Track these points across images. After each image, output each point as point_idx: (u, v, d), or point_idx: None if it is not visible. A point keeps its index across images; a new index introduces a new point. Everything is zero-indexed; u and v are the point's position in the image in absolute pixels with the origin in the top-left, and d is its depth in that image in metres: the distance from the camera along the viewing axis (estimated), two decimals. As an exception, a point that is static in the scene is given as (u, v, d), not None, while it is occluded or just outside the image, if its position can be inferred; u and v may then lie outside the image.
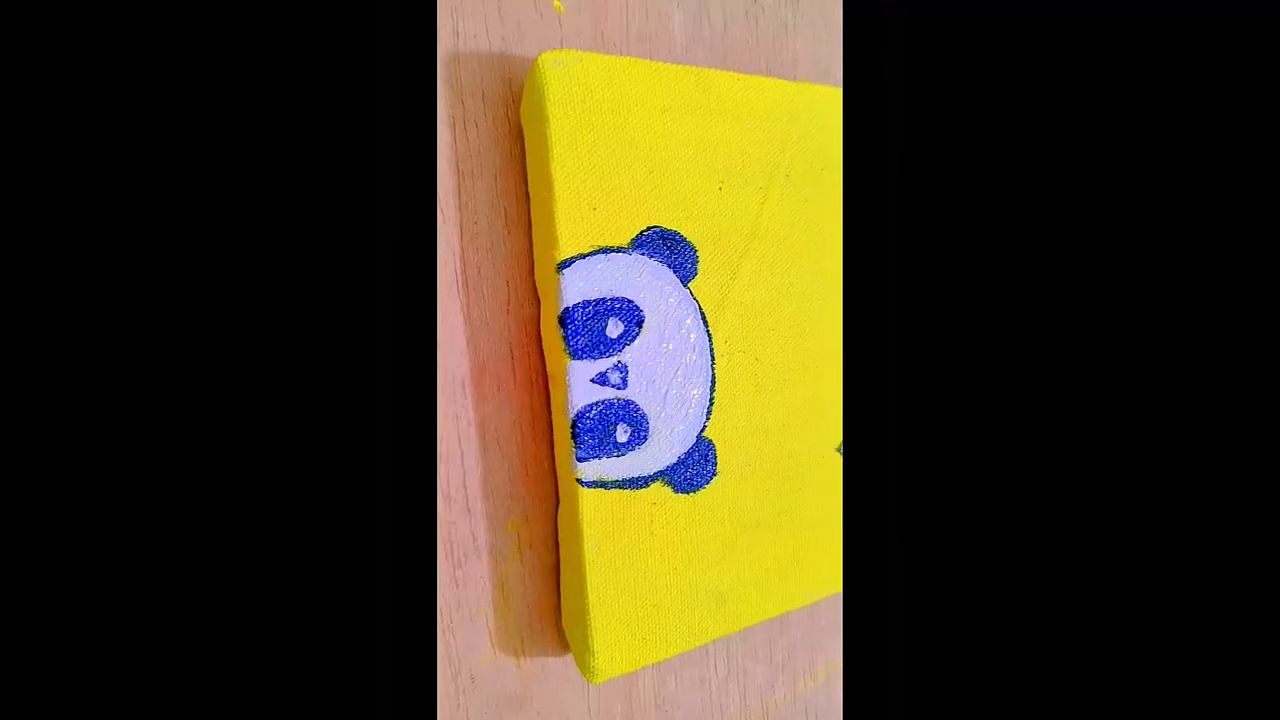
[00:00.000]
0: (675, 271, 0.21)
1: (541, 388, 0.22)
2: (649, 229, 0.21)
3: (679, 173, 0.21)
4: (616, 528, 0.20)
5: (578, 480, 0.20)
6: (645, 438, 0.21)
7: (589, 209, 0.20)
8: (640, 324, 0.21)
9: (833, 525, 0.25)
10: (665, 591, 0.21)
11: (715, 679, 0.27)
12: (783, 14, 0.27)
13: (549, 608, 0.23)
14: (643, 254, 0.21)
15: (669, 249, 0.21)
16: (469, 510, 0.21)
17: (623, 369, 0.20)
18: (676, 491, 0.21)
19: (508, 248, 0.21)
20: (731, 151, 0.22)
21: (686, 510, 0.22)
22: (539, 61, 0.19)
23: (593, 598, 0.20)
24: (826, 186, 0.24)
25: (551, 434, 0.22)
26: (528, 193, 0.21)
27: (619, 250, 0.20)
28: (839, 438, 0.25)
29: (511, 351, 0.21)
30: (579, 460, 0.20)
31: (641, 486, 0.21)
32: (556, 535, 0.22)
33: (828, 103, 0.24)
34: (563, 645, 0.23)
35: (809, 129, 0.24)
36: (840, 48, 0.29)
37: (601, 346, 0.20)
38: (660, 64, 0.21)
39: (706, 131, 0.22)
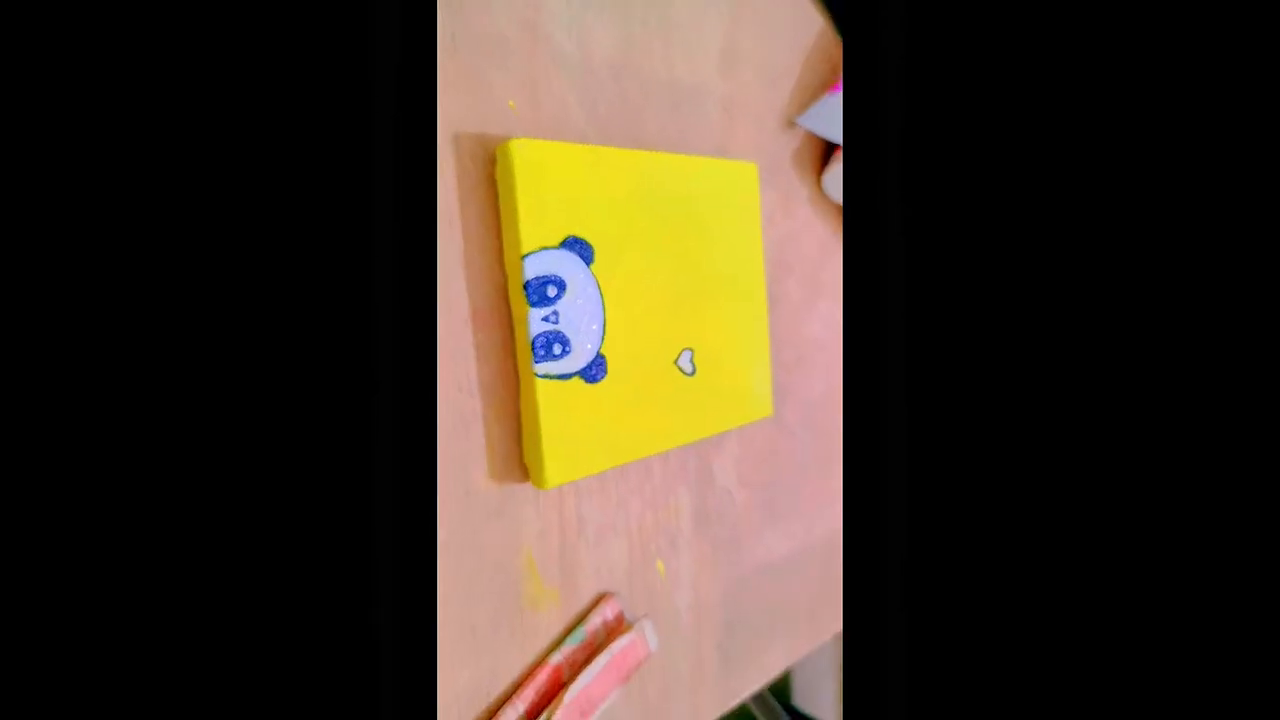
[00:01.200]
0: (583, 259, 0.38)
1: (508, 325, 0.38)
2: (569, 236, 0.37)
3: (587, 203, 0.38)
4: (557, 401, 0.37)
5: (535, 375, 0.36)
6: (569, 352, 0.38)
7: (537, 225, 0.36)
8: (564, 289, 0.37)
9: (673, 409, 0.43)
10: (584, 437, 0.38)
11: (609, 505, 0.44)
12: (639, 104, 0.45)
13: (514, 454, 0.39)
14: (565, 250, 0.37)
15: (580, 247, 0.38)
16: (472, 394, 0.37)
17: (556, 314, 0.37)
18: (587, 382, 0.39)
19: (488, 243, 0.37)
20: (614, 191, 0.39)
21: (592, 393, 0.39)
22: (510, 145, 0.35)
23: (545, 441, 0.37)
24: (670, 213, 0.42)
25: (515, 351, 0.38)
26: (499, 212, 0.37)
27: (554, 248, 0.37)
28: (674, 355, 0.43)
29: (491, 304, 0.37)
30: (536, 363, 0.36)
31: (569, 379, 0.38)
32: (519, 410, 0.39)
33: (672, 163, 0.42)
34: (523, 477, 0.39)
35: (660, 179, 0.42)
36: (683, 126, 0.47)
37: (546, 301, 0.37)
38: (575, 145, 0.38)
39: (601, 180, 0.39)
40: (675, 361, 0.43)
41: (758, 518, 0.56)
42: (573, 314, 0.38)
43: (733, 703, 0.55)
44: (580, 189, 0.38)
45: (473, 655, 0.38)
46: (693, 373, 0.45)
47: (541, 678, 0.41)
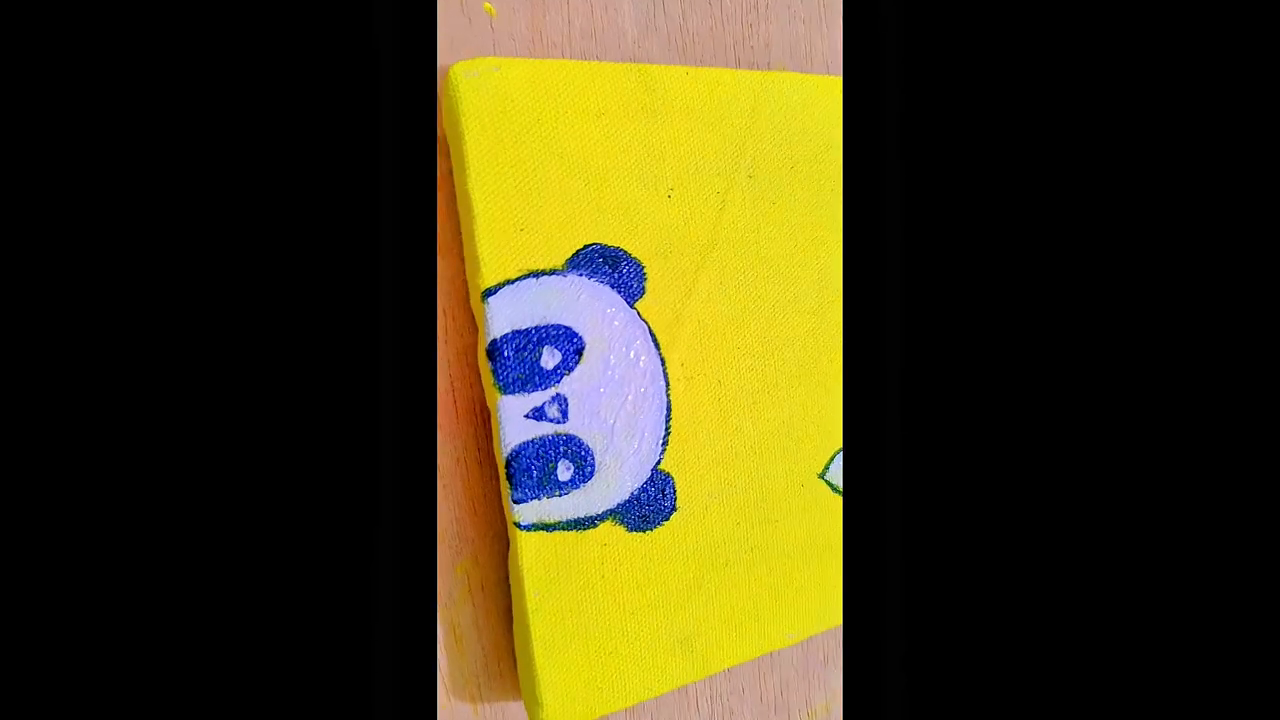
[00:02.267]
0: (619, 291, 0.19)
1: (485, 420, 0.21)
2: (586, 247, 0.19)
3: (621, 182, 0.19)
4: (562, 572, 0.19)
5: (516, 524, 0.19)
6: (591, 474, 0.19)
7: (515, 230, 0.18)
8: (580, 351, 0.19)
9: (817, 557, 0.23)
10: (621, 638, 0.20)
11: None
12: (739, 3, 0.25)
13: (506, 651, 0.21)
14: (580, 275, 0.19)
15: (611, 267, 0.19)
16: (407, 554, 0.20)
17: (562, 401, 0.19)
18: (630, 530, 0.20)
19: (441, 274, 0.20)
20: (682, 154, 0.20)
21: (642, 550, 0.20)
22: (450, 74, 0.17)
23: (538, 647, 0.19)
24: (797, 185, 0.22)
25: (496, 469, 0.21)
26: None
27: (552, 273, 0.19)
28: (822, 463, 0.23)
29: (451, 384, 0.20)
30: (515, 502, 0.18)
31: (589, 527, 0.19)
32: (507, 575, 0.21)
33: (797, 90, 0.22)
34: (515, 692, 0.22)
35: (774, 123, 0.21)
36: (823, 26, 0.26)
37: (536, 379, 0.18)
38: (594, 64, 0.19)
39: (652, 134, 0.20)
40: (821, 475, 0.23)
41: None
42: (598, 400, 0.19)
43: None
44: (610, 150, 0.19)
45: None
46: (856, 491, 0.23)
47: None
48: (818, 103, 0.22)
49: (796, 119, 0.22)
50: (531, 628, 0.19)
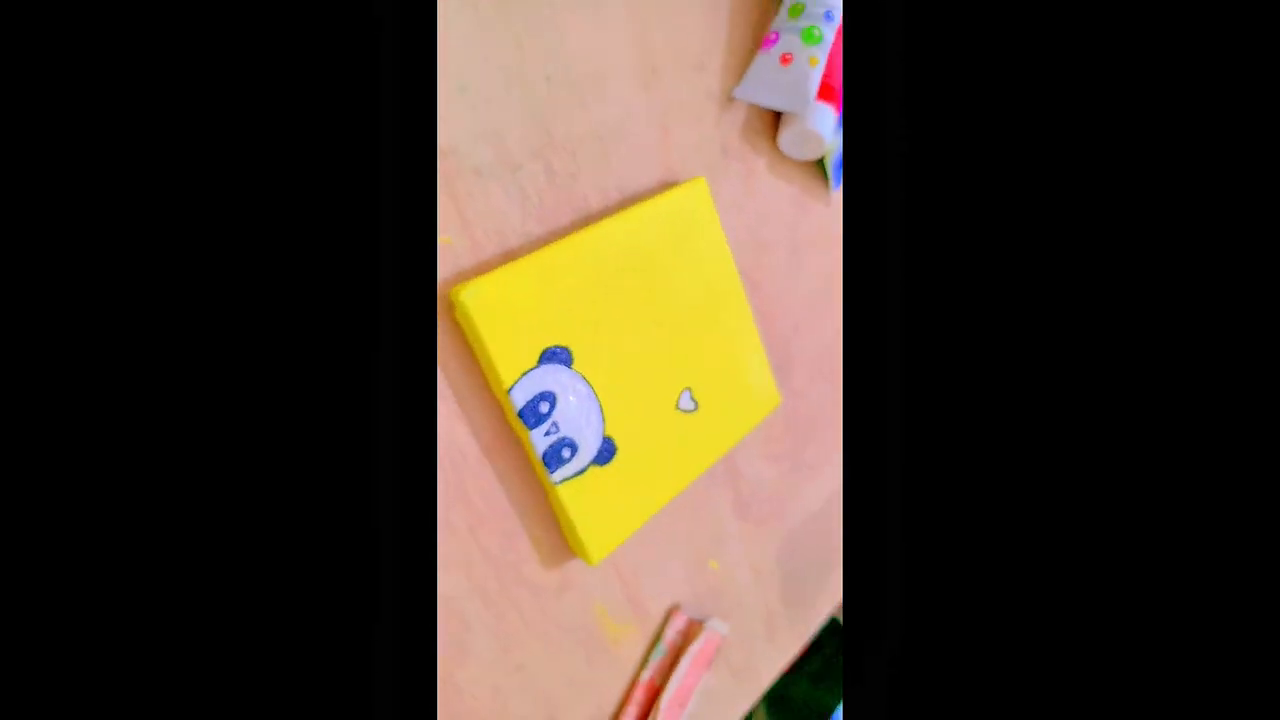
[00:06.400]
0: (565, 364, 0.40)
1: (519, 443, 0.41)
2: (544, 350, 0.39)
3: (551, 312, 0.39)
4: (579, 496, 0.41)
5: (554, 484, 0.40)
6: (577, 450, 0.41)
7: (511, 356, 0.38)
8: (555, 401, 0.40)
9: (685, 447, 0.46)
10: (613, 511, 0.43)
11: (657, 538, 0.49)
12: (571, 171, 0.44)
13: (560, 543, 0.43)
14: (545, 365, 0.39)
15: (557, 355, 0.40)
16: (506, 514, 0.41)
17: (555, 425, 0.40)
18: (601, 466, 0.42)
19: (474, 379, 0.39)
20: (573, 286, 0.40)
21: (609, 473, 0.42)
22: (460, 295, 0.36)
23: (580, 530, 0.41)
24: (634, 278, 0.43)
25: (533, 465, 0.41)
26: (471, 350, 0.39)
27: (533, 369, 0.39)
28: (674, 402, 0.46)
29: (497, 430, 0.40)
30: (550, 474, 0.40)
31: (584, 472, 0.41)
32: (552, 509, 0.43)
33: (615, 229, 0.42)
34: (573, 554, 0.44)
35: (609, 251, 0.42)
36: (620, 171, 0.46)
37: (541, 419, 0.39)
38: (521, 261, 0.38)
39: (557, 282, 0.40)
40: (676, 407, 0.46)
41: (791, 480, 0.60)
42: (569, 417, 0.40)
43: (809, 636, 0.63)
44: (540, 300, 0.39)
45: (579, 697, 0.45)
46: (695, 408, 0.47)
47: (639, 694, 0.48)
48: (631, 226, 0.43)
49: (623, 239, 0.42)
50: (575, 524, 0.41)
